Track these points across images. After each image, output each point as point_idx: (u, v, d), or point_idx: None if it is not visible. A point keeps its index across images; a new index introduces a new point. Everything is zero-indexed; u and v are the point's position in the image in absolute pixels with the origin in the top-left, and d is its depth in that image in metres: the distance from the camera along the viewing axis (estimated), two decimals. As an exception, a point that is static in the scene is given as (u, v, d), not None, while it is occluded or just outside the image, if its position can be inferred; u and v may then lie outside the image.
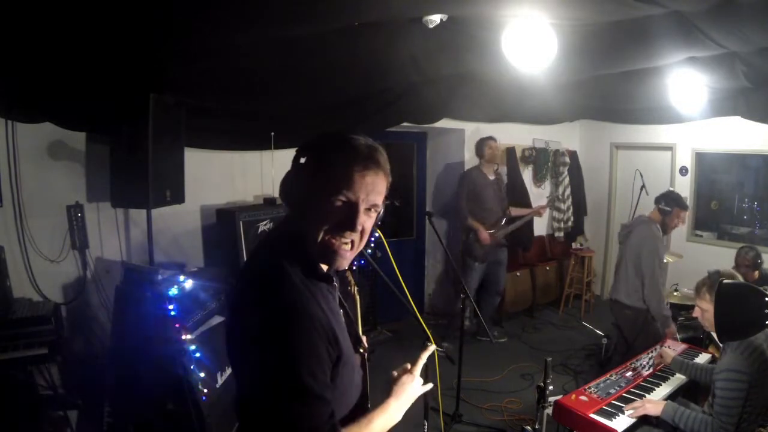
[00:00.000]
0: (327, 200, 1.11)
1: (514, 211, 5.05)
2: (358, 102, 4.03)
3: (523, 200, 5.81)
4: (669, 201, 3.49)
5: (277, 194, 4.04)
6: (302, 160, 1.16)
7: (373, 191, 1.13)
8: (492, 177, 4.89)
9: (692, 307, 2.53)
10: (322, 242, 1.13)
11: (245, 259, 1.23)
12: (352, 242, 1.15)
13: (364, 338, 1.40)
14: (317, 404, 1.01)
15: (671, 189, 3.70)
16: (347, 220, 1.11)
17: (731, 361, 2.13)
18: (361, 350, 1.34)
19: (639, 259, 3.42)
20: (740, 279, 2.34)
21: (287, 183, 1.18)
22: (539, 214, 5.31)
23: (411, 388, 1.31)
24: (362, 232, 1.15)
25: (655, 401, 2.37)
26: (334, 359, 1.10)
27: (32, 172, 3.02)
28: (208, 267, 3.71)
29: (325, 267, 1.19)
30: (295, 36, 2.58)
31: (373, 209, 1.15)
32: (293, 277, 1.09)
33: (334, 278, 1.22)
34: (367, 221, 1.15)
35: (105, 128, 3.12)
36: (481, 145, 4.87)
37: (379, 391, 1.31)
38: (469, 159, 5.56)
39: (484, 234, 4.68)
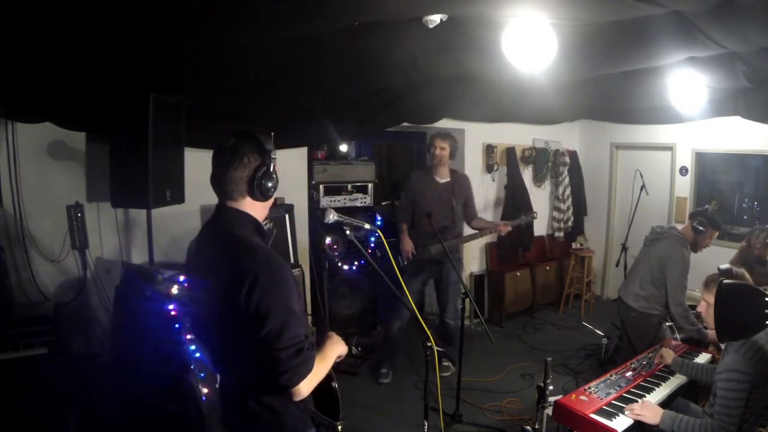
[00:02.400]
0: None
1: (477, 224, 4.23)
2: (358, 102, 4.03)
3: (523, 200, 5.82)
4: (704, 220, 3.33)
5: (277, 194, 4.02)
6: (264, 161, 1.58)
7: None
8: (443, 180, 4.12)
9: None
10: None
11: (213, 236, 1.64)
12: None
13: None
14: (300, 323, 1.47)
15: (708, 207, 3.53)
16: None
17: (733, 362, 2.12)
18: None
19: (662, 275, 3.35)
20: (749, 280, 2.31)
21: (267, 182, 1.60)
22: (500, 232, 4.21)
23: (338, 339, 1.74)
24: None
25: (652, 409, 2.35)
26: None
27: (32, 172, 3.03)
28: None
29: None
30: (294, 36, 2.58)
31: None
32: (260, 242, 1.55)
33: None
34: None
35: (105, 128, 3.12)
36: (430, 142, 4.14)
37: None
38: (470, 159, 5.57)
39: (405, 243, 4.12)
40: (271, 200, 1.66)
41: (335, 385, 1.75)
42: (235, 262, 1.46)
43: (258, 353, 1.43)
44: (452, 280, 4.13)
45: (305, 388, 1.46)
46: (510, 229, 4.18)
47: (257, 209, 1.62)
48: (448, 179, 4.14)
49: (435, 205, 4.06)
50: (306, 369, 1.45)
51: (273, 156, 1.57)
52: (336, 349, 1.69)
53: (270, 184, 1.58)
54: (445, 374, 4.17)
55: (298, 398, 1.46)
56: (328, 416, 1.66)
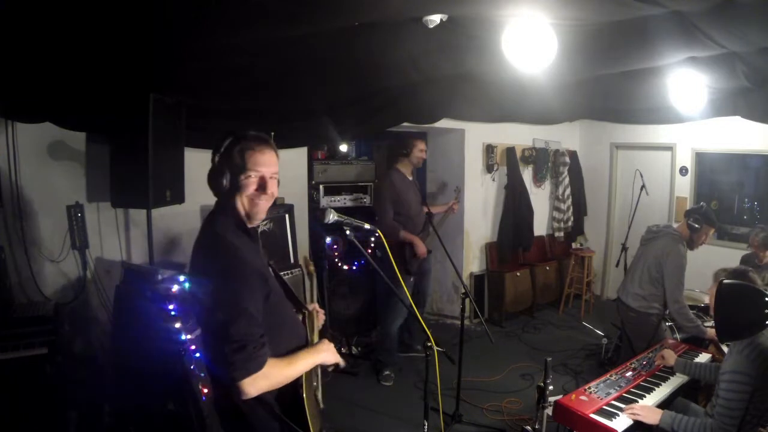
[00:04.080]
0: (244, 178, 1.57)
1: (434, 209, 4.47)
2: (358, 102, 4.03)
3: (522, 201, 5.82)
4: (698, 217, 3.36)
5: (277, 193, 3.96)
6: (216, 159, 1.61)
7: (269, 163, 1.61)
8: (412, 178, 4.37)
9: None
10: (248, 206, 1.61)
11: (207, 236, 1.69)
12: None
13: (315, 305, 1.96)
14: (252, 322, 1.45)
15: (703, 204, 3.54)
16: (260, 187, 1.59)
17: (736, 363, 2.12)
18: (304, 311, 1.88)
19: (660, 274, 3.36)
20: (759, 283, 2.30)
21: (213, 178, 1.61)
22: (453, 211, 4.68)
23: (327, 348, 1.74)
24: (272, 194, 1.63)
25: (651, 410, 2.34)
26: (265, 293, 1.54)
27: (32, 172, 3.02)
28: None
29: (249, 225, 1.65)
30: (295, 36, 2.58)
31: (274, 176, 1.63)
32: (232, 239, 1.54)
33: (258, 235, 1.73)
34: (273, 185, 1.63)
35: (105, 128, 3.12)
36: (410, 145, 4.24)
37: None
38: (470, 159, 5.57)
39: (422, 248, 4.15)
40: (249, 190, 1.59)
41: (303, 394, 1.70)
42: (203, 256, 1.56)
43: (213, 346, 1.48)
44: (430, 269, 4.52)
45: (251, 387, 1.44)
46: (457, 203, 4.75)
47: (233, 204, 1.60)
48: (413, 177, 4.39)
49: (416, 201, 4.30)
50: (249, 367, 1.43)
51: (221, 150, 1.61)
52: (316, 357, 1.68)
53: (219, 180, 1.58)
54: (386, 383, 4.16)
55: (243, 396, 1.45)
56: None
